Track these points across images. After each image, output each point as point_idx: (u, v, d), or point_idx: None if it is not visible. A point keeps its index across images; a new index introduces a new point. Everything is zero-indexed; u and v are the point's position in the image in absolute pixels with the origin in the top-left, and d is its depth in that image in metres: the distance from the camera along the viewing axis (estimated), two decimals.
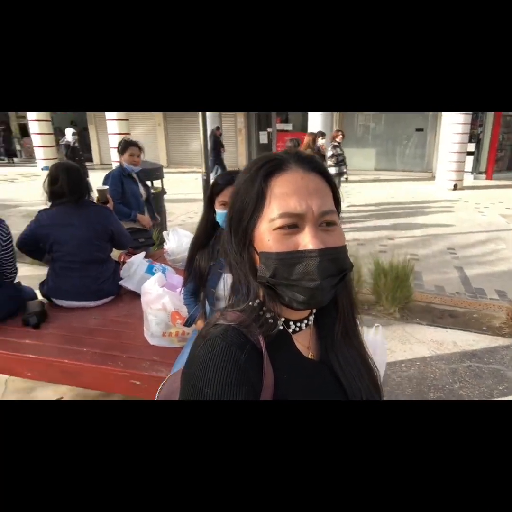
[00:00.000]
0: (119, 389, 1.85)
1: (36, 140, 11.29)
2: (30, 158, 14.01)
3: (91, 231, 2.29)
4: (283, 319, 0.61)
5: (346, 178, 7.13)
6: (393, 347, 2.85)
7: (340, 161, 6.74)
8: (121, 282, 2.43)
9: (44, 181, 2.25)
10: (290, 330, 0.62)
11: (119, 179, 3.02)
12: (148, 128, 13.96)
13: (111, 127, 10.08)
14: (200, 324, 1.64)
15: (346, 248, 0.58)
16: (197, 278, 1.54)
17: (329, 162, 6.67)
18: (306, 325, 0.63)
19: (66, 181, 2.21)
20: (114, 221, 2.41)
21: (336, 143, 6.75)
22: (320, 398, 0.60)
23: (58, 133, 13.11)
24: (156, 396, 0.72)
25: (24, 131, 14.37)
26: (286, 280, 0.54)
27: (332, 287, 0.56)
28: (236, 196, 0.59)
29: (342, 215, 0.60)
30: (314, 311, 0.65)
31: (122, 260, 2.69)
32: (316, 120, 9.12)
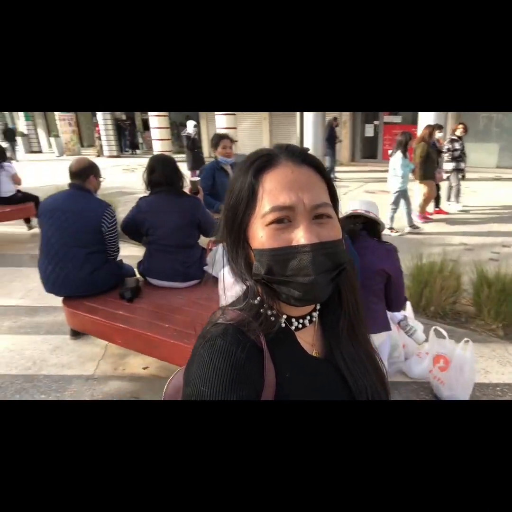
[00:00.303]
0: None
1: (154, 133, 12.48)
2: (149, 150, 15.54)
3: (183, 219, 2.47)
4: (285, 316, 0.59)
5: (463, 176, 6.38)
6: (489, 367, 2.53)
7: (457, 157, 6.08)
8: (205, 267, 2.59)
9: (144, 172, 2.49)
10: (293, 327, 0.60)
11: (211, 172, 3.19)
12: (254, 123, 14.38)
13: (219, 122, 10.64)
14: None
15: (342, 242, 0.56)
16: None
17: (445, 157, 6.08)
18: (310, 321, 0.62)
19: (162, 172, 2.41)
20: (203, 211, 2.56)
21: (454, 137, 6.13)
22: (324, 396, 0.58)
23: (174, 127, 14.30)
24: (163, 392, 0.73)
25: (146, 125, 15.96)
26: (281, 277, 0.53)
27: (329, 282, 0.54)
28: (230, 193, 0.58)
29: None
30: (318, 307, 0.63)
31: (209, 247, 2.85)
32: (428, 112, 8.39)
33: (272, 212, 0.53)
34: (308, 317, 0.61)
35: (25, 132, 18.97)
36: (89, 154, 15.12)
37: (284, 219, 0.53)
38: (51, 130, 18.62)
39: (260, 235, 0.54)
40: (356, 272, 0.64)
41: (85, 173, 2.47)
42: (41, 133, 19.62)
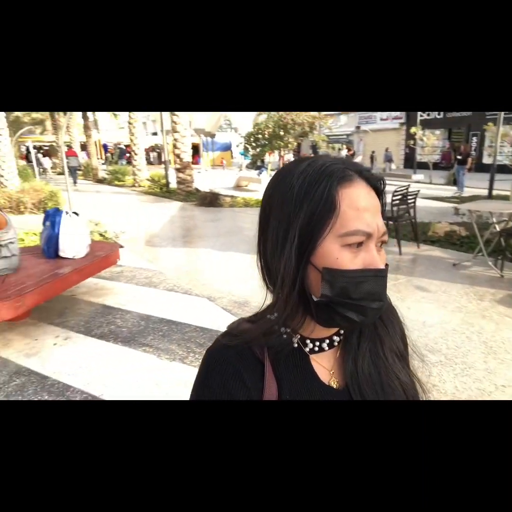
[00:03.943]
0: None
1: None
2: None
3: None
4: (298, 336, 0.57)
5: None
6: None
7: None
8: None
9: None
10: (307, 349, 0.57)
11: None
12: None
13: None
14: None
15: None
16: None
17: None
18: (330, 345, 0.58)
19: None
20: None
21: None
22: None
23: None
24: None
25: None
26: (349, 299, 0.50)
27: None
28: (305, 197, 0.50)
29: None
30: (342, 331, 0.59)
31: None
32: None
33: (355, 235, 0.49)
34: (327, 341, 0.57)
35: None
36: None
37: (362, 243, 0.51)
38: None
39: (336, 256, 0.50)
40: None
41: None
42: None
